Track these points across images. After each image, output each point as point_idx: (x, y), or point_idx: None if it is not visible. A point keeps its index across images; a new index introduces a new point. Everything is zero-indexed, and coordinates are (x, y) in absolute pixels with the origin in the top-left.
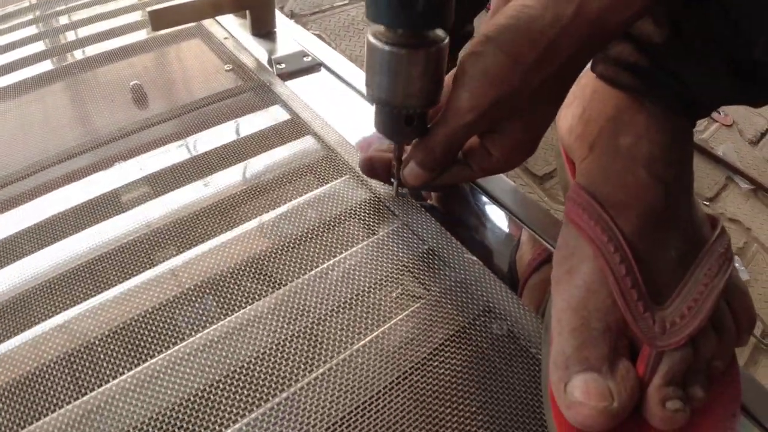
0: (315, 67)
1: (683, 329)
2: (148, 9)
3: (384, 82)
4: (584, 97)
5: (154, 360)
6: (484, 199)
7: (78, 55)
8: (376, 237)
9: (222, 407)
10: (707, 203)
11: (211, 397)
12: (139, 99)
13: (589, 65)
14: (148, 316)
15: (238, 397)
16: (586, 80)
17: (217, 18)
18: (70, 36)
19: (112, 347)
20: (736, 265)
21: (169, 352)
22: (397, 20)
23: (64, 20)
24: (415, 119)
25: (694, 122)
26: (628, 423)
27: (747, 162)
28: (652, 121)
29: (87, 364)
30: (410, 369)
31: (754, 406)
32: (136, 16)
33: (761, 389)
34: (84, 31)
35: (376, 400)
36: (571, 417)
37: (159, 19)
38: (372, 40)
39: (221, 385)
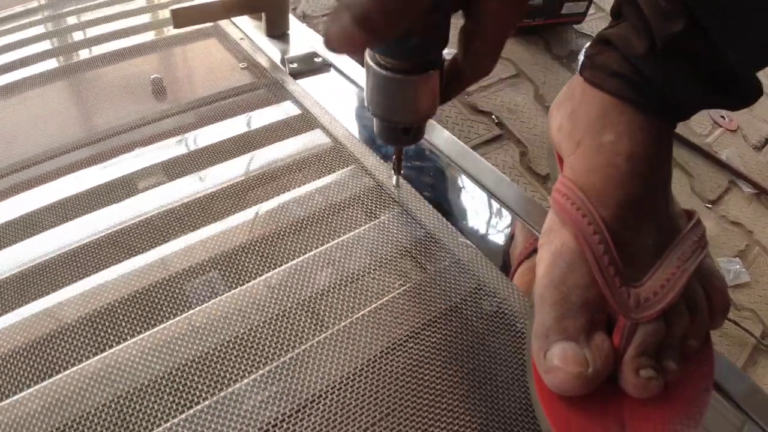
0: (325, 67)
1: (656, 304)
2: (171, 8)
3: (381, 102)
4: (573, 98)
5: (168, 323)
6: (482, 193)
7: (103, 50)
8: (377, 221)
9: (232, 364)
10: (710, 206)
11: (222, 355)
12: (158, 91)
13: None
14: (162, 285)
15: (244, 357)
16: (576, 83)
17: (234, 20)
18: (91, 33)
19: (131, 310)
20: (737, 266)
21: (183, 315)
22: (392, 52)
23: (87, 17)
24: (412, 130)
25: (674, 124)
26: (605, 393)
27: (751, 166)
28: (634, 121)
29: (108, 324)
30: (405, 338)
31: (728, 385)
32: (156, 16)
33: (733, 369)
34: (109, 27)
35: (373, 364)
36: (549, 381)
37: (180, 18)
38: (371, 63)
39: (231, 345)
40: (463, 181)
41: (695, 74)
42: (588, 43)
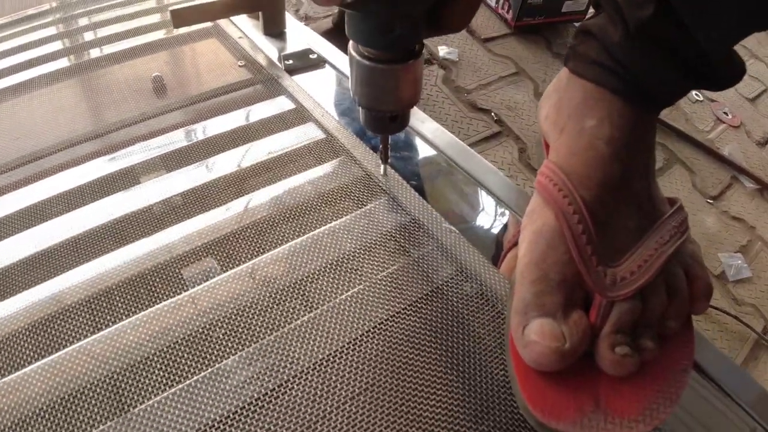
0: (320, 63)
1: (632, 283)
2: (170, 8)
3: (366, 92)
4: (559, 89)
5: (162, 303)
6: (474, 186)
7: (108, 50)
8: (365, 208)
9: (221, 343)
10: (711, 201)
11: (211, 334)
12: (159, 89)
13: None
14: (159, 269)
15: (234, 335)
16: (563, 74)
17: (233, 20)
18: (99, 33)
19: (128, 293)
20: (739, 262)
21: (177, 297)
22: (375, 43)
23: (94, 18)
24: (398, 117)
25: (655, 111)
26: (582, 369)
27: (753, 162)
28: (614, 107)
29: (106, 305)
30: (386, 319)
31: (709, 366)
32: (155, 18)
33: (714, 351)
34: (113, 29)
35: (355, 344)
36: (527, 355)
37: (179, 18)
38: (354, 54)
39: (220, 325)
40: (452, 170)
41: (669, 59)
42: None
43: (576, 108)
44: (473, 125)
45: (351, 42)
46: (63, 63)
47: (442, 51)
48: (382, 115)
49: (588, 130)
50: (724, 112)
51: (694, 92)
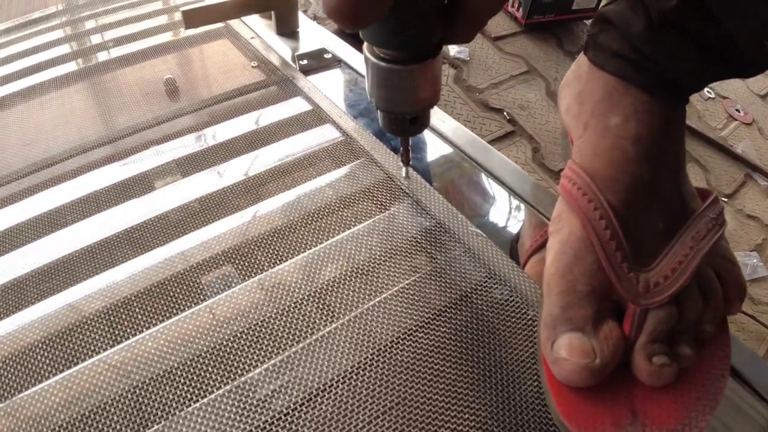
0: (335, 63)
1: (666, 289)
2: (182, 9)
3: (383, 94)
4: (580, 77)
5: (182, 314)
6: (493, 182)
7: (118, 52)
8: (387, 212)
9: (245, 354)
10: (726, 200)
11: (235, 346)
12: (171, 91)
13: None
14: (178, 278)
15: (258, 346)
16: (583, 61)
17: (245, 20)
18: (107, 36)
19: (148, 303)
20: (754, 260)
21: (197, 307)
22: (390, 44)
23: (102, 21)
24: (418, 119)
25: (683, 103)
26: (617, 380)
27: (767, 159)
28: (640, 102)
29: (125, 316)
30: (414, 328)
31: (746, 370)
32: (164, 19)
33: (751, 354)
34: (121, 31)
35: (382, 354)
36: (557, 372)
37: (191, 19)
38: (369, 56)
39: (245, 336)
40: (474, 171)
41: (695, 49)
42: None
43: (599, 103)
44: (486, 125)
45: (365, 43)
46: (72, 66)
47: (453, 50)
48: (401, 117)
49: (613, 129)
50: (736, 109)
51: (705, 89)
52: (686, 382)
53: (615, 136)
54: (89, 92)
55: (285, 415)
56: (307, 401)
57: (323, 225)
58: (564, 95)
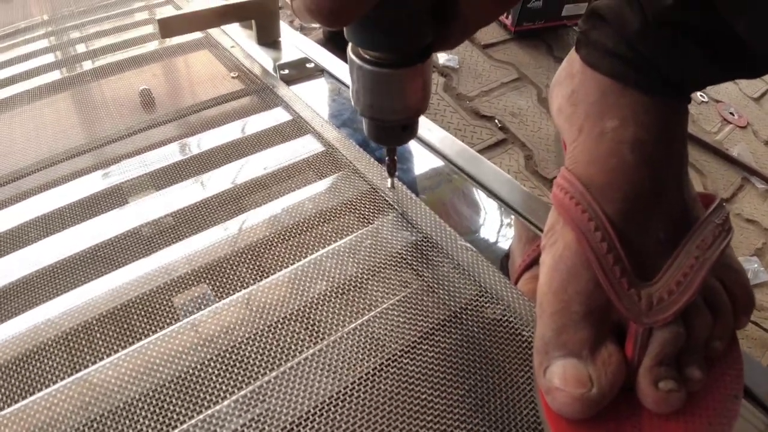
0: (317, 73)
1: (671, 305)
2: (158, 17)
3: (370, 100)
4: (572, 76)
5: (148, 339)
6: (480, 191)
7: (92, 64)
8: (371, 226)
9: (214, 384)
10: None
11: (203, 374)
12: (146, 103)
13: None
14: (146, 300)
15: (229, 374)
16: (575, 58)
17: (225, 30)
18: (85, 47)
19: (107, 327)
20: (755, 265)
21: (163, 331)
22: (378, 45)
23: (82, 32)
24: (404, 128)
25: (684, 101)
26: (621, 407)
27: (763, 162)
28: (638, 104)
29: (84, 342)
30: (398, 353)
31: (758, 389)
32: (143, 30)
33: (764, 371)
34: (99, 42)
35: (363, 382)
36: (550, 402)
37: (168, 28)
38: (355, 59)
39: (214, 363)
40: (463, 182)
41: (697, 48)
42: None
43: (593, 106)
44: (477, 133)
45: (350, 45)
46: (48, 78)
47: (442, 58)
48: (388, 125)
49: (609, 133)
50: (730, 113)
51: (699, 93)
52: (697, 407)
53: (612, 140)
54: (60, 105)
55: None
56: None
57: (302, 241)
58: (555, 95)
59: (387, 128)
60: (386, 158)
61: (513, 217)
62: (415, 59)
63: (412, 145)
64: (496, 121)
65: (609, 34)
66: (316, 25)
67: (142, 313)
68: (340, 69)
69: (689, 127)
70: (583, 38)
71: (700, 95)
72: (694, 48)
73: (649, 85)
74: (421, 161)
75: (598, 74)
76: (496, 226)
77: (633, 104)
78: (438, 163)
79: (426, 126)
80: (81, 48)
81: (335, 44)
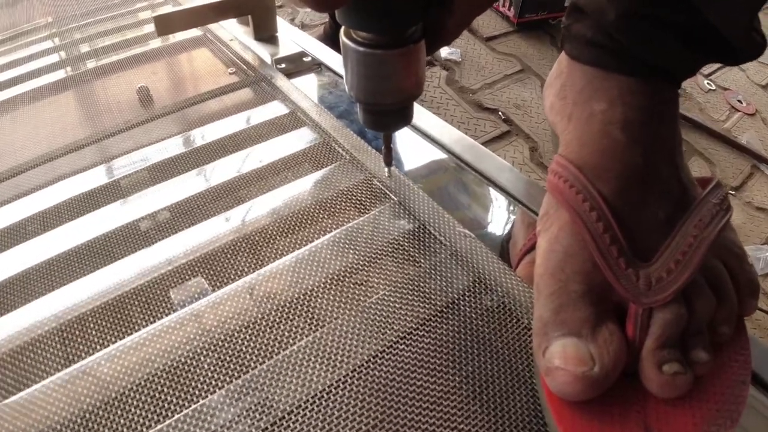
0: (314, 66)
1: (670, 284)
2: (154, 14)
3: (363, 84)
4: (561, 74)
5: (142, 330)
6: (480, 179)
7: (92, 64)
8: (369, 215)
9: (207, 374)
10: (733, 192)
11: (197, 364)
12: (145, 100)
13: None
14: (142, 292)
15: (222, 365)
16: (562, 58)
17: (224, 26)
18: (85, 48)
19: (108, 320)
20: (767, 254)
21: (157, 323)
22: (370, 26)
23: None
24: (401, 112)
25: (671, 85)
26: (626, 392)
27: None
28: (623, 85)
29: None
30: (395, 341)
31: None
32: (147, 29)
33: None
34: (100, 42)
35: (358, 371)
36: (551, 383)
37: (164, 25)
38: (347, 41)
39: (208, 353)
40: (462, 170)
41: (674, 37)
42: None
43: (581, 92)
44: (480, 125)
45: (343, 29)
46: (51, 78)
47: (444, 52)
48: (382, 109)
49: (598, 115)
50: (738, 100)
51: (705, 81)
52: (704, 392)
53: (601, 122)
54: (60, 104)
55: None
56: (271, 426)
57: (301, 231)
58: (547, 95)
59: (381, 113)
60: (383, 147)
61: (513, 203)
62: (407, 41)
63: (409, 134)
64: (500, 113)
65: (589, 26)
66: (317, 22)
67: (137, 304)
68: (337, 62)
69: (697, 115)
70: (566, 32)
71: (707, 83)
72: (670, 37)
73: (632, 70)
74: (418, 150)
75: (583, 65)
76: (494, 213)
77: (619, 87)
78: (435, 151)
79: (422, 114)
80: (82, 48)
81: (334, 42)
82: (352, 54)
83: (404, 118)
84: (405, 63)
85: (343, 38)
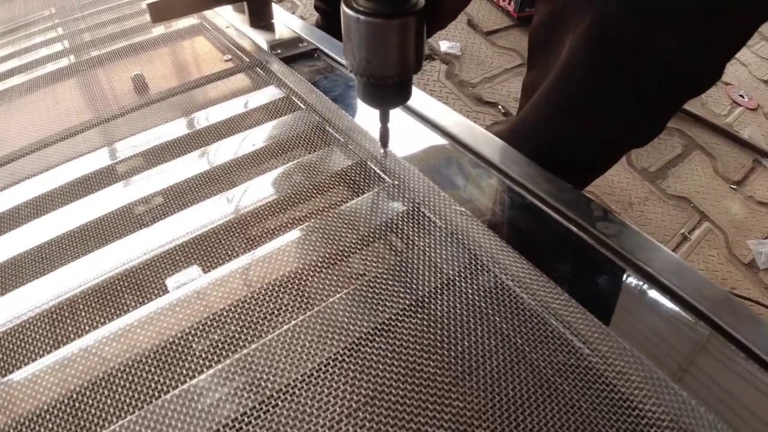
0: (310, 51)
1: None
2: (147, 2)
3: (363, 54)
4: None
5: (131, 313)
6: (476, 160)
7: (89, 54)
8: (364, 195)
9: (193, 357)
10: (735, 187)
11: (183, 346)
12: (140, 87)
13: None
14: (132, 274)
15: (209, 345)
16: None
17: (220, 14)
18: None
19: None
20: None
21: (147, 305)
22: None
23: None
24: (401, 85)
25: None
26: None
27: None
28: None
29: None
30: (389, 319)
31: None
32: (145, 18)
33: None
34: (98, 33)
35: (350, 350)
36: None
37: (158, 12)
38: (349, 11)
39: (195, 335)
40: (456, 149)
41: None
42: None
43: None
44: (480, 119)
45: (343, 1)
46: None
47: (444, 46)
48: (381, 81)
49: None
50: (740, 95)
51: None
52: None
53: None
54: (56, 93)
55: (234, 421)
56: (260, 405)
57: (295, 213)
58: None
59: (381, 87)
60: (379, 127)
61: (510, 183)
62: (408, 12)
63: (406, 117)
64: (500, 106)
65: None
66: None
67: (127, 287)
68: (333, 47)
69: (699, 109)
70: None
71: None
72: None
73: None
74: (415, 132)
75: None
76: (490, 192)
77: None
78: (430, 132)
79: (421, 99)
80: (83, 38)
81: (329, 32)
82: (354, 24)
83: (403, 94)
84: (405, 34)
85: (345, 9)
